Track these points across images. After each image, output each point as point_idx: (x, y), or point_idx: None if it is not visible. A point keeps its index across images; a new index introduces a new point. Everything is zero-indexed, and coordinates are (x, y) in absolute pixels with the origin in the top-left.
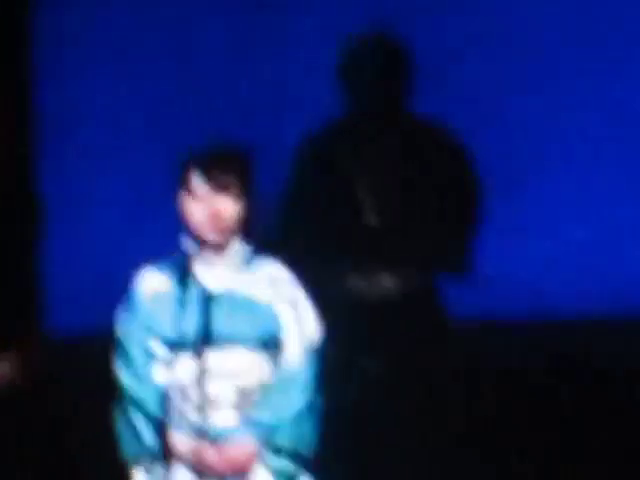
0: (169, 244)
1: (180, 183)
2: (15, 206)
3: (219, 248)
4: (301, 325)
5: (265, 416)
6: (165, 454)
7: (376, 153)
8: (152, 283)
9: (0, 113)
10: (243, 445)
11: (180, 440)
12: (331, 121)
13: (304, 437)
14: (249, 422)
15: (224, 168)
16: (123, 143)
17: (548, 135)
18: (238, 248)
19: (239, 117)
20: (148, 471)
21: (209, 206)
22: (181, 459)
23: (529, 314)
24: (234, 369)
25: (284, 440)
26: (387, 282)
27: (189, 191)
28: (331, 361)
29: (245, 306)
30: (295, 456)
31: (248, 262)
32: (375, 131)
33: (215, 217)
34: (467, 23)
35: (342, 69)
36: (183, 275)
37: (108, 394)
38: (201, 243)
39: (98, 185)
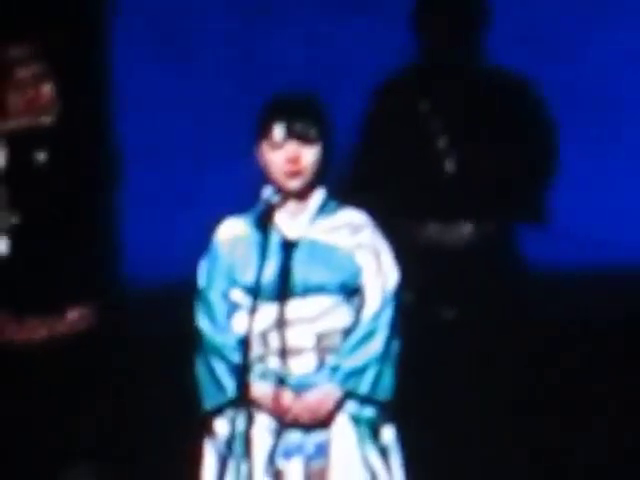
0: (252, 195)
1: (259, 133)
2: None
3: (300, 197)
4: (381, 272)
5: (346, 363)
6: (247, 403)
7: (452, 101)
8: (232, 230)
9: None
10: (324, 393)
11: (261, 388)
12: (405, 69)
13: (385, 384)
14: (330, 369)
15: (302, 116)
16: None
17: (629, 83)
18: (318, 196)
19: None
20: (230, 420)
21: (288, 154)
22: (262, 408)
23: (607, 265)
24: (314, 315)
25: (365, 387)
26: (464, 230)
27: (268, 140)
28: (408, 308)
29: (326, 253)
30: (377, 403)
31: (328, 210)
32: (451, 79)
33: (295, 164)
34: None
35: (417, 17)
36: (264, 223)
37: (190, 344)
38: (282, 193)
39: (181, 136)
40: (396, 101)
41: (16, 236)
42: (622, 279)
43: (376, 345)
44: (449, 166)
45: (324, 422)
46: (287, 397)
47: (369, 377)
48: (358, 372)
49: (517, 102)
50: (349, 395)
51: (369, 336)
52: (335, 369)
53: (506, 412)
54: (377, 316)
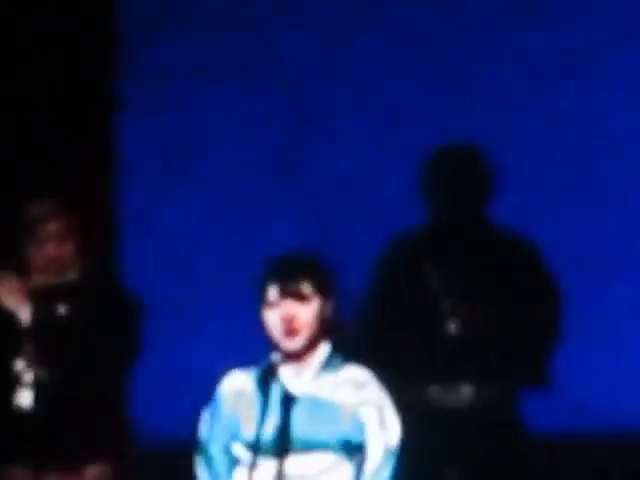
0: (257, 355)
1: (259, 295)
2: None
3: (302, 355)
4: (385, 427)
5: None
6: None
7: (457, 262)
8: (235, 383)
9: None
10: None
11: None
12: (411, 229)
13: None
14: None
15: (295, 274)
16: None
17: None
18: (321, 353)
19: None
20: None
21: (283, 312)
22: None
23: (610, 428)
24: (315, 472)
25: None
26: (466, 392)
27: (266, 301)
28: (412, 470)
29: (329, 410)
30: None
31: (332, 366)
32: (456, 240)
33: (290, 323)
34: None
35: (422, 180)
36: (266, 378)
37: None
38: (284, 354)
39: (186, 291)
40: (403, 259)
41: (40, 391)
42: (624, 444)
43: None
44: (451, 327)
45: None
46: None
47: None
48: None
49: (520, 262)
50: None
51: None
52: None
53: None
54: (379, 472)
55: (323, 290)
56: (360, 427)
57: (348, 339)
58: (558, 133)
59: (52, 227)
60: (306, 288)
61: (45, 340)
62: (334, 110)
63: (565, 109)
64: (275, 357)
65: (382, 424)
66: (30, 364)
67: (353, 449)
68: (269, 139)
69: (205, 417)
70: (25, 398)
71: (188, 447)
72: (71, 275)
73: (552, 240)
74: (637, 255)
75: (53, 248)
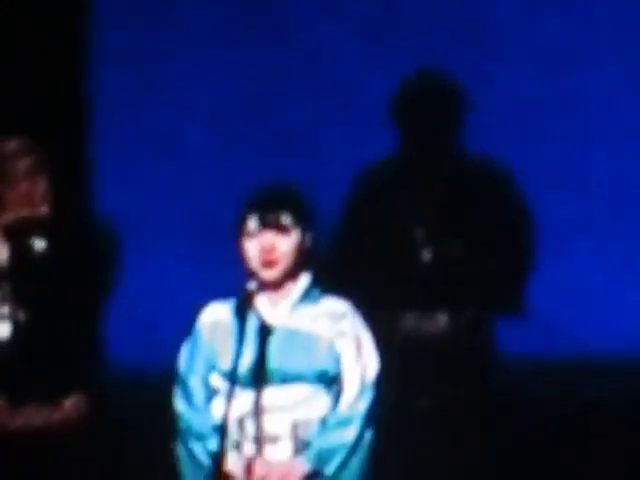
0: (237, 283)
1: (238, 226)
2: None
3: (279, 285)
4: (361, 360)
5: (318, 442)
6: None
7: (428, 191)
8: (213, 315)
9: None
10: (295, 465)
11: (235, 463)
12: (385, 159)
13: (351, 471)
14: (303, 447)
15: (275, 205)
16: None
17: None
18: (302, 284)
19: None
20: None
21: (263, 243)
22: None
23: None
24: (291, 403)
25: (331, 469)
26: (441, 320)
27: (245, 231)
28: (385, 398)
29: (305, 342)
30: None
31: (311, 298)
32: (426, 169)
33: (269, 254)
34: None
35: (392, 108)
36: (244, 309)
37: (170, 428)
38: (261, 283)
39: (167, 218)
40: (374, 191)
41: (16, 323)
42: (594, 367)
43: (349, 433)
44: (426, 256)
45: None
46: (259, 463)
47: (336, 461)
48: (327, 454)
49: (492, 187)
50: (316, 474)
51: (344, 423)
52: (307, 445)
53: None
54: (354, 403)
55: (303, 222)
56: (337, 359)
57: (327, 270)
58: (538, 69)
59: (22, 164)
60: (286, 219)
61: (22, 275)
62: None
63: (547, 45)
64: (252, 286)
65: (358, 356)
66: (6, 298)
67: (330, 381)
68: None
69: (184, 349)
70: (1, 330)
71: (168, 379)
72: (44, 211)
73: (524, 164)
74: (611, 178)
75: (25, 185)
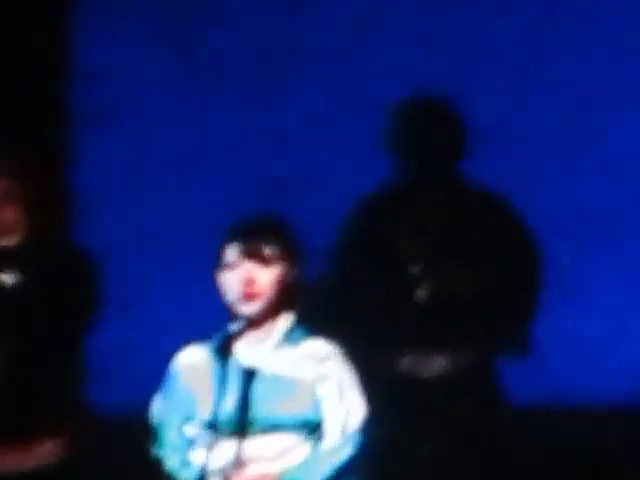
0: (217, 325)
1: (218, 259)
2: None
3: (261, 324)
4: (343, 406)
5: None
6: None
7: (426, 224)
8: (190, 358)
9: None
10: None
11: None
12: (377, 191)
13: None
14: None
15: (257, 235)
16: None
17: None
18: (283, 323)
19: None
20: None
21: (243, 274)
22: None
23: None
24: (274, 455)
25: None
26: (439, 363)
27: (224, 261)
28: (381, 443)
29: (288, 388)
30: None
31: (294, 338)
32: (425, 200)
33: (249, 286)
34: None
35: (389, 133)
36: (223, 352)
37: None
38: (242, 320)
39: (143, 264)
40: (368, 224)
41: None
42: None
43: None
44: (422, 293)
45: None
46: None
47: None
48: None
49: (497, 225)
50: None
51: (322, 466)
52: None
53: None
54: (334, 453)
55: (287, 254)
56: (320, 405)
57: (313, 309)
58: (536, 87)
59: None
60: (268, 250)
61: None
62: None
63: (545, 66)
64: (233, 327)
65: (341, 401)
66: None
67: (314, 429)
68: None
69: (158, 400)
70: None
71: (146, 422)
72: (15, 240)
73: (531, 201)
74: (618, 217)
75: None
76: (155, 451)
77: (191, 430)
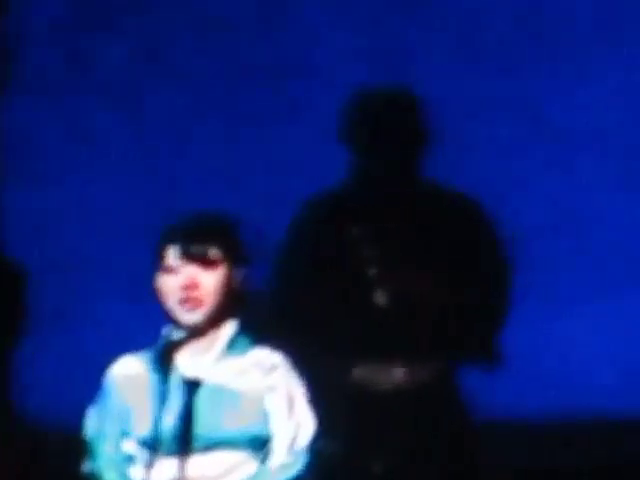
0: (155, 334)
1: (156, 261)
2: None
3: (204, 332)
4: (293, 420)
5: None
6: None
7: (386, 224)
8: (126, 370)
9: None
10: None
11: None
12: (334, 185)
13: None
14: None
15: (201, 235)
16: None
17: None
18: (227, 331)
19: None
20: None
21: (184, 278)
22: None
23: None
24: (219, 472)
25: None
26: (397, 373)
27: (164, 266)
28: (333, 459)
29: (231, 400)
30: None
31: (239, 347)
32: (385, 199)
33: (189, 290)
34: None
35: (344, 127)
36: (162, 362)
37: None
38: (184, 329)
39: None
40: (322, 224)
41: None
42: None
43: None
44: (380, 298)
45: None
46: None
47: None
48: None
49: (462, 225)
50: None
51: None
52: None
53: None
54: (282, 469)
55: (232, 256)
56: (267, 419)
57: (260, 315)
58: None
59: None
60: (212, 252)
61: None
62: None
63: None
64: (172, 336)
65: (291, 415)
66: None
67: (262, 444)
68: None
69: (91, 411)
70: None
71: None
72: None
73: (498, 200)
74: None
75: None
76: (89, 466)
77: (129, 446)
